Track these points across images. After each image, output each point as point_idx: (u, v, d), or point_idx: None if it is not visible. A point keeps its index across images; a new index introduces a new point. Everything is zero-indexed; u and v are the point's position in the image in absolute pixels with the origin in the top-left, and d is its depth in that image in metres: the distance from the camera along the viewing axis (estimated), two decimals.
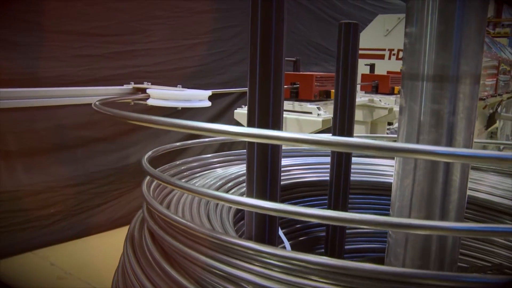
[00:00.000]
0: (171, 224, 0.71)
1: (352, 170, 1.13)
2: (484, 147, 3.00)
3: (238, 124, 2.43)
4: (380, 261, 0.88)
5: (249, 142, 0.76)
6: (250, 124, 0.76)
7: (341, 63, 1.04)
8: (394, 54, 4.07)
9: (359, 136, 1.80)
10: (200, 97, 1.42)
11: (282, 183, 1.18)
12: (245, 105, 1.69)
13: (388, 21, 4.09)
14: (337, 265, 0.56)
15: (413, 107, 0.73)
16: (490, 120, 4.35)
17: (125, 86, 1.51)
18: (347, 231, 1.19)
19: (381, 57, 4.13)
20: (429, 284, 0.55)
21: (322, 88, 2.19)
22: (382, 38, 4.11)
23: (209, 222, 0.81)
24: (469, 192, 0.80)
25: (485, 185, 1.16)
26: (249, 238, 0.79)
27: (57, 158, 2.65)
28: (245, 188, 0.78)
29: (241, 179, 1.03)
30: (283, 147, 0.89)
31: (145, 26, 2.93)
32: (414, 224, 0.55)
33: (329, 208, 1.12)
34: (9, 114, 2.31)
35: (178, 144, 1.13)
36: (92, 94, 1.36)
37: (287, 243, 0.98)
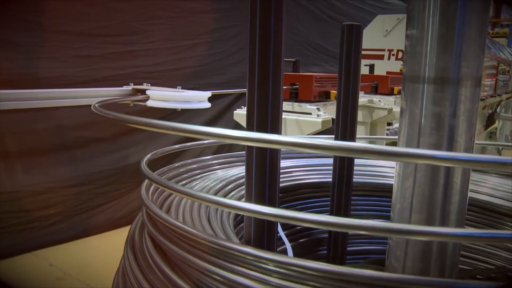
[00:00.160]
0: (170, 229, 0.71)
1: (354, 172, 1.13)
2: (484, 148, 3.01)
3: (237, 124, 2.43)
4: (382, 263, 0.88)
5: (248, 145, 0.76)
6: (249, 126, 0.76)
7: (344, 65, 1.04)
8: (393, 55, 4.08)
9: (361, 138, 1.80)
10: (199, 98, 1.42)
11: (284, 184, 1.18)
12: (244, 106, 1.69)
13: (387, 21, 4.09)
14: (336, 271, 0.56)
15: (414, 109, 0.73)
16: (489, 120, 4.36)
17: (124, 87, 1.51)
18: (350, 232, 1.18)
19: (381, 57, 4.13)
20: None
21: (322, 88, 2.19)
22: (381, 39, 4.11)
23: (210, 225, 0.81)
24: (470, 194, 0.80)
25: (486, 187, 1.16)
26: (248, 242, 0.79)
27: (56, 158, 2.65)
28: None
29: (241, 181, 1.03)
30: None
31: (145, 27, 2.93)
32: (414, 230, 0.55)
33: (331, 210, 1.12)
34: (9, 115, 2.31)
35: (177, 146, 1.13)
36: (92, 96, 1.36)
37: (288, 245, 0.98)
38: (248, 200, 0.78)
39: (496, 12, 8.68)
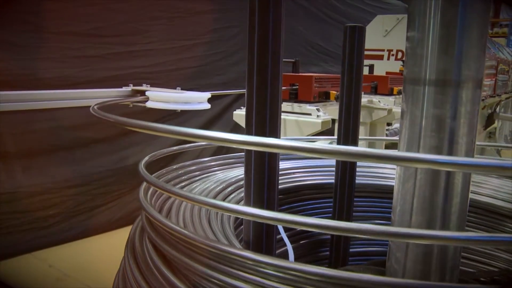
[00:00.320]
0: (169, 233, 0.70)
1: (357, 173, 1.13)
2: (483, 148, 3.00)
3: (237, 125, 2.43)
4: (385, 265, 0.88)
5: (247, 150, 0.76)
6: (248, 128, 0.76)
7: (346, 66, 1.04)
8: (393, 55, 4.08)
9: (363, 139, 1.79)
10: (199, 99, 1.41)
11: (286, 185, 1.18)
12: (244, 106, 1.69)
13: (387, 21, 4.09)
14: (335, 275, 0.56)
15: (415, 112, 0.72)
16: (489, 120, 4.36)
17: (124, 88, 1.51)
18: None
19: (380, 57, 4.13)
20: None
21: (322, 89, 2.19)
22: (381, 39, 4.11)
23: (210, 227, 0.81)
24: (471, 196, 0.80)
25: (487, 188, 1.15)
26: (247, 245, 0.79)
27: (55, 159, 2.65)
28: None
29: (241, 183, 1.02)
30: None
31: (144, 27, 2.92)
32: (413, 233, 0.55)
33: (334, 211, 1.12)
34: (7, 115, 2.30)
35: (175, 148, 1.12)
36: (91, 97, 1.36)
37: (289, 247, 0.98)
38: (247, 202, 0.78)
39: (495, 12, 8.69)
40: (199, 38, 3.31)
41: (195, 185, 1.03)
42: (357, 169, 1.16)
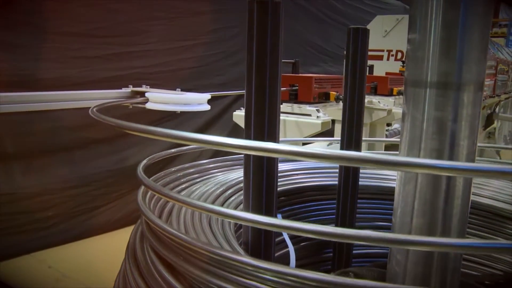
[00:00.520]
0: (169, 237, 0.70)
1: (360, 175, 1.13)
2: (482, 149, 3.00)
3: (236, 125, 2.43)
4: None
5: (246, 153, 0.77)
6: (247, 129, 0.76)
7: (350, 68, 1.04)
8: (392, 55, 4.07)
9: (365, 140, 1.79)
10: (199, 101, 1.41)
11: (289, 187, 1.18)
12: (244, 107, 1.68)
13: (386, 22, 4.09)
14: (335, 282, 0.56)
15: (416, 114, 0.72)
16: (488, 120, 4.37)
17: (123, 90, 1.50)
18: None
19: (380, 58, 4.13)
20: None
21: (322, 90, 2.18)
22: (380, 39, 4.11)
23: (211, 230, 0.81)
24: (472, 198, 0.80)
25: (489, 190, 1.15)
26: (246, 249, 0.79)
27: (54, 160, 2.64)
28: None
29: (241, 185, 1.02)
30: None
31: (143, 27, 2.92)
32: (412, 240, 0.54)
33: (337, 213, 1.12)
34: (6, 116, 2.30)
35: (173, 150, 1.12)
36: (91, 98, 1.35)
37: (291, 249, 0.98)
38: (246, 206, 0.79)
39: (495, 12, 8.69)
40: (199, 38, 3.31)
41: (195, 188, 1.02)
42: (361, 170, 1.16)
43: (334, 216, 1.17)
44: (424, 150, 0.73)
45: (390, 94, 2.96)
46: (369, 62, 3.70)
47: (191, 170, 1.12)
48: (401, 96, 2.92)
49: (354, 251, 1.19)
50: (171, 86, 1.94)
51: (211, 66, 3.45)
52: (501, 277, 1.03)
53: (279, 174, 1.21)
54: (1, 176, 2.43)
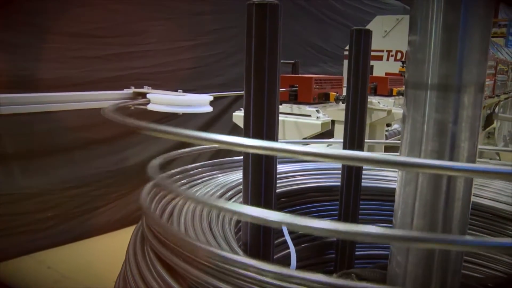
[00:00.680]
0: (169, 238, 0.70)
1: (363, 176, 1.12)
2: (481, 151, 3.01)
3: (236, 126, 2.43)
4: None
5: (245, 152, 0.77)
6: (246, 130, 0.77)
7: (352, 70, 1.04)
8: (392, 55, 4.07)
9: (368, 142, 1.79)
10: (201, 102, 1.41)
11: (290, 188, 1.18)
12: (243, 108, 1.68)
13: (386, 22, 4.08)
14: (335, 284, 0.55)
15: (416, 116, 0.72)
16: (488, 120, 4.37)
17: (125, 91, 1.50)
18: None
19: (379, 58, 4.13)
20: None
21: (321, 90, 2.18)
22: (380, 39, 4.11)
23: (211, 231, 0.81)
24: (473, 199, 0.80)
25: (490, 191, 1.15)
26: (245, 248, 0.80)
27: (54, 160, 2.64)
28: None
29: (241, 186, 1.02)
30: None
31: (143, 28, 2.92)
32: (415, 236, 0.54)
33: (339, 214, 1.12)
34: (6, 116, 2.30)
35: (187, 150, 1.11)
36: (92, 99, 1.35)
37: (292, 250, 0.98)
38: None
39: (494, 12, 8.68)
40: (199, 39, 3.31)
41: (195, 189, 1.02)
42: (363, 171, 1.16)
43: (336, 218, 1.17)
44: (425, 152, 0.73)
45: (389, 94, 2.96)
46: None
47: (192, 172, 1.12)
48: (400, 97, 2.92)
49: (357, 252, 1.19)
50: (171, 87, 1.94)
51: (211, 66, 3.45)
52: (502, 279, 1.03)
53: (280, 175, 1.21)
54: (1, 177, 2.42)
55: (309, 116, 2.06)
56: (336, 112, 2.40)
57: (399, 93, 2.94)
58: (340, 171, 1.13)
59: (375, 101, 2.70)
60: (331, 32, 4.88)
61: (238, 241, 0.87)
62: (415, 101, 0.72)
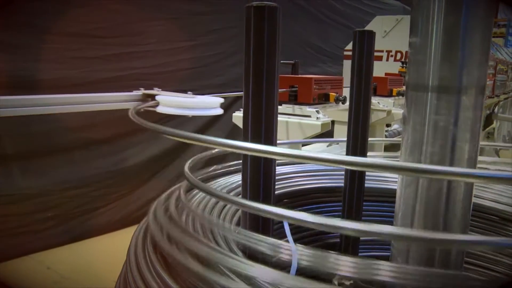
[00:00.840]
0: (174, 240, 0.70)
1: (366, 177, 1.12)
2: (481, 149, 3.01)
3: (236, 126, 2.42)
4: None
5: (244, 155, 0.77)
6: (245, 132, 0.77)
7: (356, 71, 1.04)
8: (392, 56, 4.07)
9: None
10: (212, 105, 1.38)
11: (295, 188, 1.19)
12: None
13: (386, 22, 4.08)
14: None
15: (417, 118, 0.72)
16: (487, 120, 4.37)
17: (134, 92, 1.49)
18: (362, 238, 1.18)
19: (379, 58, 4.12)
20: None
21: (321, 91, 2.18)
22: (380, 40, 4.10)
23: (211, 233, 0.81)
24: (474, 200, 0.80)
25: (490, 193, 1.15)
26: (244, 250, 0.80)
27: (54, 161, 2.64)
28: None
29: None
30: None
31: (143, 28, 2.92)
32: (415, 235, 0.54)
33: (343, 215, 1.12)
34: (5, 117, 2.29)
35: (214, 151, 1.10)
36: (100, 101, 1.34)
37: (294, 251, 0.97)
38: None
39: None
40: (198, 39, 3.31)
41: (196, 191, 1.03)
42: (366, 172, 1.16)
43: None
44: (425, 153, 0.73)
45: (389, 95, 2.96)
46: None
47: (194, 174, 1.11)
48: (400, 97, 2.92)
49: (360, 253, 1.19)
50: (170, 87, 1.94)
51: (211, 66, 3.45)
52: (504, 282, 1.03)
53: (282, 177, 1.21)
54: (1, 177, 2.42)
55: (309, 116, 2.06)
56: (336, 112, 2.39)
57: (399, 94, 2.94)
58: (343, 172, 1.13)
59: (374, 102, 2.70)
60: (331, 32, 4.88)
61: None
62: (416, 103, 0.72)
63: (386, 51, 4.11)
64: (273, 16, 0.75)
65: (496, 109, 4.61)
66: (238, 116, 2.19)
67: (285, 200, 1.18)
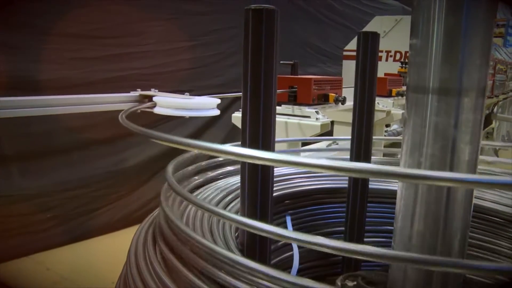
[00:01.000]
0: (177, 237, 0.70)
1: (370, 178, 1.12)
2: (481, 148, 3.01)
3: (235, 127, 2.42)
4: None
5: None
6: (243, 133, 0.78)
7: (360, 73, 1.04)
8: (391, 56, 4.07)
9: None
10: (209, 106, 1.39)
11: (299, 189, 1.19)
12: None
13: (385, 22, 4.08)
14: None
15: (417, 120, 0.72)
16: (486, 120, 4.38)
17: (131, 93, 1.49)
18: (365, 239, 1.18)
19: (378, 58, 4.12)
20: None
21: (321, 91, 2.18)
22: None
23: (211, 235, 0.81)
24: (474, 201, 0.79)
25: (491, 194, 1.15)
26: (242, 247, 0.80)
27: (53, 161, 2.63)
28: None
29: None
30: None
31: (142, 28, 2.92)
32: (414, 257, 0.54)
33: (346, 216, 1.12)
34: (4, 117, 2.29)
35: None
36: (98, 102, 1.34)
37: (296, 252, 0.98)
38: (242, 210, 0.80)
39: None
40: (198, 39, 3.31)
41: (196, 193, 1.02)
42: None
43: (342, 220, 1.17)
44: (425, 155, 0.73)
45: (389, 95, 2.96)
46: None
47: (193, 174, 1.11)
48: (400, 97, 2.92)
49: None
50: (170, 87, 1.94)
51: (210, 67, 3.44)
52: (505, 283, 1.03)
53: (283, 178, 1.21)
54: (0, 178, 2.42)
55: (309, 117, 2.06)
56: (336, 113, 2.39)
57: (398, 94, 2.94)
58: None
59: None
60: (330, 32, 4.88)
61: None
62: (416, 105, 0.72)
63: (386, 51, 4.11)
64: (271, 19, 0.75)
65: (495, 109, 4.62)
66: (237, 117, 2.19)
67: (287, 201, 1.18)
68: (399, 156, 0.83)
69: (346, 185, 1.11)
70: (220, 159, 1.18)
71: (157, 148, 3.05)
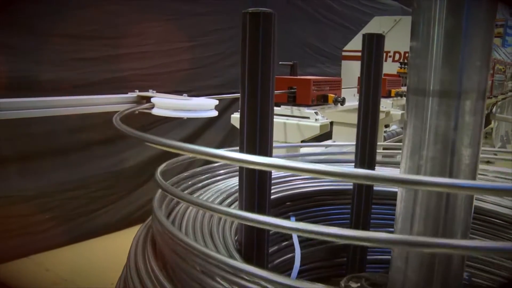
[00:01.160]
0: (174, 242, 0.70)
1: None
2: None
3: (234, 128, 2.42)
4: None
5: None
6: (241, 136, 0.78)
7: (364, 74, 1.04)
8: (390, 56, 4.06)
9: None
10: (206, 107, 1.39)
11: (303, 190, 1.19)
12: None
13: (384, 23, 4.08)
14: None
15: (417, 123, 0.72)
16: (485, 121, 4.38)
17: (129, 94, 1.49)
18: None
19: None
20: None
21: (320, 92, 2.18)
22: None
23: (211, 237, 0.81)
24: (475, 203, 0.80)
25: (491, 196, 1.15)
26: (240, 247, 0.80)
27: (52, 162, 2.63)
28: None
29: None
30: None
31: (141, 29, 2.91)
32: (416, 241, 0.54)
33: (351, 217, 1.12)
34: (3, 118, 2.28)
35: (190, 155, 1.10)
36: (96, 103, 1.34)
37: (298, 252, 0.98)
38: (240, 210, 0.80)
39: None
40: (196, 40, 3.30)
41: (196, 195, 1.02)
42: None
43: (345, 221, 1.17)
44: (425, 158, 0.73)
45: (388, 95, 2.96)
46: None
47: (193, 177, 1.11)
48: (399, 98, 2.92)
49: (368, 257, 1.19)
50: (169, 88, 1.94)
51: (209, 67, 3.44)
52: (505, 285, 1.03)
53: (284, 179, 1.21)
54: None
55: (308, 118, 2.06)
56: (335, 113, 2.39)
57: (397, 94, 2.94)
58: None
59: None
60: (329, 32, 4.88)
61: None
62: (416, 107, 0.72)
63: (385, 51, 4.11)
64: (268, 22, 0.75)
65: (494, 109, 4.62)
66: (236, 118, 2.19)
67: (288, 203, 1.18)
68: (398, 157, 0.84)
69: (350, 187, 1.12)
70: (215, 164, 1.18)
71: (156, 149, 3.04)
